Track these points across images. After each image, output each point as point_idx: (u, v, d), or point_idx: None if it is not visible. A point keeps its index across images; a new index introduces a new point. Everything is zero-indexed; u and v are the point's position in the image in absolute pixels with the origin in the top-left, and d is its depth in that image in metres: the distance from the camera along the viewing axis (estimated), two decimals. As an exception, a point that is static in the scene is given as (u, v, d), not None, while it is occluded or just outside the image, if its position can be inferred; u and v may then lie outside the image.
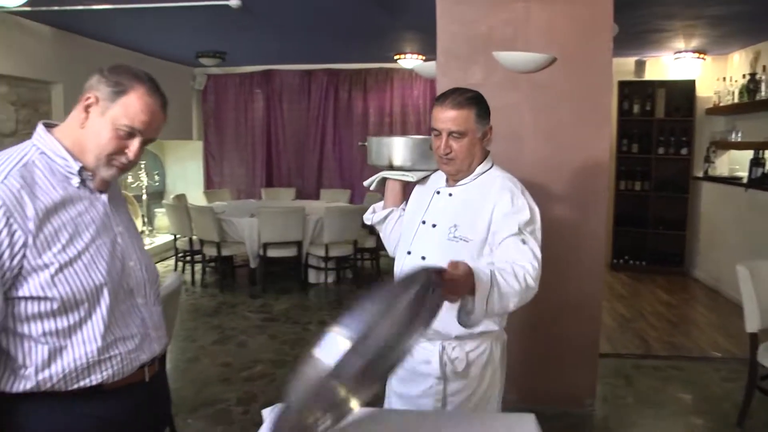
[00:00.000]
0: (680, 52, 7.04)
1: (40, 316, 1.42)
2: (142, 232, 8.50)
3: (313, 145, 9.16)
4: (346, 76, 9.03)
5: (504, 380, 2.30)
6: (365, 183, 2.52)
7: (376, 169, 2.49)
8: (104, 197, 1.59)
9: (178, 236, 7.54)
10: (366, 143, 2.55)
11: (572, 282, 3.66)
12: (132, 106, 1.50)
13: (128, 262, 1.59)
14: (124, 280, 1.56)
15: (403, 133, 8.87)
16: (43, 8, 4.94)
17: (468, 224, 2.05)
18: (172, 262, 8.00)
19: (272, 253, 6.83)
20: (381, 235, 2.50)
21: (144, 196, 8.61)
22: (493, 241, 2.02)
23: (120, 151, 1.53)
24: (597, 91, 3.53)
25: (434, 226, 2.12)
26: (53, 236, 1.43)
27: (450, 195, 2.15)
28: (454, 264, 1.57)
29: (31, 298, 1.40)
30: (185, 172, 9.69)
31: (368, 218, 2.52)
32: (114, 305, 1.52)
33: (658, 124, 7.47)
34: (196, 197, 8.74)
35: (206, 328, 5.63)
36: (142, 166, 8.63)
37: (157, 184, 9.26)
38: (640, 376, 4.36)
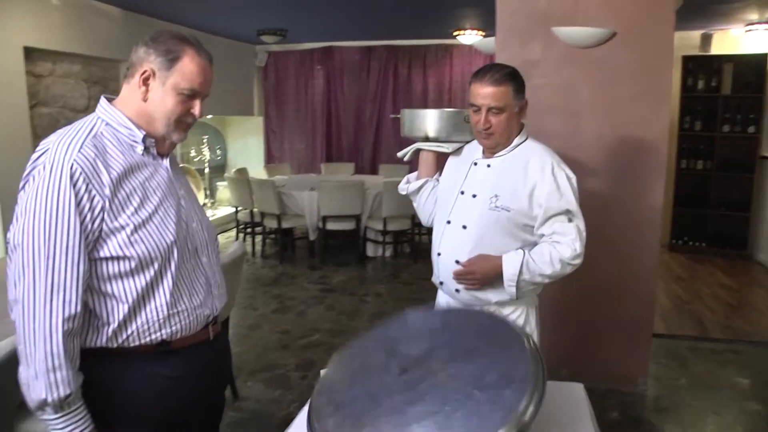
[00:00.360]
0: (752, 24, 6.75)
1: (120, 275, 1.52)
2: (204, 204, 8.79)
3: (372, 121, 9.26)
4: (405, 52, 9.05)
5: (540, 342, 2.38)
6: (399, 154, 2.58)
7: (411, 141, 2.55)
8: (166, 162, 1.68)
9: (239, 208, 7.77)
10: (399, 115, 2.60)
11: (627, 260, 3.65)
12: (188, 70, 1.58)
13: (191, 223, 1.68)
14: (189, 240, 1.65)
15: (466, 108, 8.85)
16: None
17: (508, 194, 2.14)
18: (233, 233, 8.26)
19: (331, 226, 6.98)
20: (415, 204, 2.57)
21: (206, 170, 8.90)
22: (541, 215, 2.13)
23: (186, 112, 1.62)
24: (657, 66, 3.47)
25: (474, 196, 2.21)
26: (126, 200, 1.52)
27: (488, 166, 2.23)
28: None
29: (111, 258, 1.50)
30: (246, 146, 9.94)
31: (403, 188, 2.58)
32: (181, 263, 1.61)
33: (723, 101, 7.19)
34: (257, 172, 8.97)
35: (266, 298, 5.84)
36: (205, 140, 8.91)
37: (219, 158, 9.54)
38: (696, 359, 4.31)
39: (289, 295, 5.93)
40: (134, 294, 1.54)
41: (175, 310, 1.60)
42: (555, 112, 3.64)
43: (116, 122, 1.58)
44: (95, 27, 5.94)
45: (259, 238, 7.75)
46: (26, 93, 5.23)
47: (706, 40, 7.36)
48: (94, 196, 1.46)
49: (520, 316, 2.27)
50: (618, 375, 3.75)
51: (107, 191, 1.48)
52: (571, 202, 2.13)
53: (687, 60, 7.28)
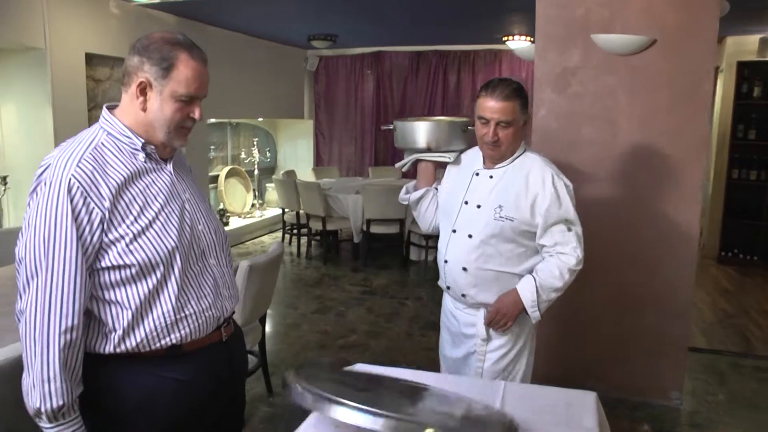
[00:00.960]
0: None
1: (122, 283, 1.55)
2: (253, 205, 9.01)
3: (420, 126, 9.29)
4: (454, 57, 9.08)
5: (536, 336, 2.53)
6: (397, 165, 2.68)
7: (407, 152, 2.63)
8: (169, 167, 1.69)
9: (286, 210, 7.94)
10: (392, 127, 2.65)
11: (663, 272, 3.59)
12: (184, 77, 1.58)
13: (197, 226, 1.70)
14: (194, 243, 1.67)
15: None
16: (170, 0, 5.41)
17: (511, 205, 2.25)
18: (280, 234, 8.43)
19: (375, 229, 7.06)
20: (414, 213, 2.66)
21: (255, 172, 9.11)
22: (542, 224, 2.24)
23: (186, 117, 1.63)
24: (697, 74, 3.41)
25: (479, 206, 2.31)
26: (126, 210, 1.54)
27: (491, 177, 2.34)
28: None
29: (112, 267, 1.53)
30: (296, 149, 10.14)
31: (404, 199, 2.65)
32: (186, 267, 1.63)
33: (780, 109, 6.94)
34: (305, 174, 9.14)
35: (308, 298, 5.96)
36: (255, 142, 9.13)
37: (268, 160, 9.76)
38: (737, 375, 4.19)
39: (330, 296, 6.03)
40: (137, 300, 1.56)
41: (182, 315, 1.62)
42: (592, 119, 3.63)
43: (116, 131, 1.61)
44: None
45: (304, 240, 7.89)
46: (86, 96, 5.50)
47: (765, 44, 7.11)
48: (93, 210, 1.50)
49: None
50: (650, 388, 3.70)
51: (106, 203, 1.51)
52: (570, 210, 2.25)
53: (742, 66, 7.05)
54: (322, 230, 7.33)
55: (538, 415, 1.75)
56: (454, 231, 2.36)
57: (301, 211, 7.56)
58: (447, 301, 2.54)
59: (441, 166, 2.62)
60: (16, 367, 1.81)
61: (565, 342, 3.75)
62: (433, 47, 9.09)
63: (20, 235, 1.52)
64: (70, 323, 1.48)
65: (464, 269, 2.31)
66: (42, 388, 1.46)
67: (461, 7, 5.99)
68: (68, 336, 1.47)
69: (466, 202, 2.36)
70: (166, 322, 1.59)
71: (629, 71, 3.52)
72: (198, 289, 1.67)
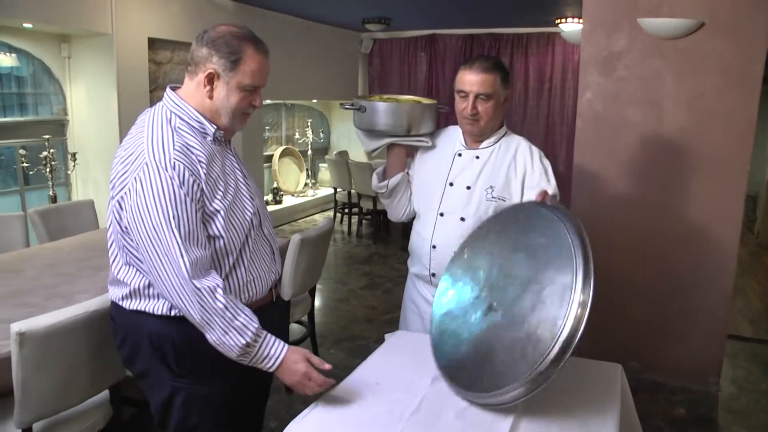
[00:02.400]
0: None
1: (215, 251, 1.72)
2: (306, 184, 9.24)
3: (472, 109, 9.33)
4: (508, 40, 9.06)
5: None
6: (368, 149, 2.45)
7: (374, 134, 2.38)
8: (231, 148, 1.88)
9: (338, 189, 8.13)
10: (356, 106, 2.36)
11: (704, 256, 3.60)
12: (250, 69, 1.71)
13: (255, 200, 1.87)
14: (255, 216, 1.85)
15: (561, 99, 8.79)
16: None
17: (502, 185, 2.24)
18: (331, 213, 8.64)
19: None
20: (386, 201, 2.49)
21: (309, 152, 9.33)
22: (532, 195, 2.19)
23: (248, 105, 1.78)
24: (747, 57, 3.38)
25: (468, 188, 2.27)
26: (215, 185, 1.70)
27: (477, 157, 2.29)
28: (544, 194, 1.95)
29: (211, 237, 1.70)
30: (349, 130, 10.29)
31: (380, 187, 2.45)
32: (255, 235, 1.84)
33: None
34: (358, 154, 9.30)
35: (357, 274, 6.15)
36: (309, 123, 9.34)
37: (321, 140, 9.96)
38: (783, 365, 4.18)
39: (378, 273, 6.20)
40: (228, 265, 1.75)
41: (251, 277, 1.82)
42: (637, 102, 3.65)
43: (187, 116, 1.73)
44: (210, 19, 6.42)
45: (355, 219, 8.09)
46: (148, 79, 5.78)
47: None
48: (194, 183, 1.64)
49: None
50: (690, 372, 3.73)
51: (203, 178, 1.66)
52: (556, 188, 2.20)
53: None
54: (372, 210, 7.51)
55: (566, 382, 1.85)
56: (442, 214, 2.30)
57: (353, 191, 7.75)
58: (421, 289, 2.44)
59: (411, 151, 2.46)
60: (92, 321, 2.04)
61: (608, 321, 3.81)
62: (486, 30, 9.08)
63: (133, 221, 1.63)
64: (211, 274, 1.65)
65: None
66: (234, 328, 1.63)
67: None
68: (216, 282, 1.63)
69: (451, 184, 2.30)
70: (240, 283, 1.80)
71: (676, 54, 3.53)
72: (260, 255, 1.87)
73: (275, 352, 1.68)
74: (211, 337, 1.64)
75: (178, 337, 1.75)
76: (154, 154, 1.63)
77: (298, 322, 3.91)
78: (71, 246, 3.53)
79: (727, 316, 3.71)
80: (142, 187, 1.61)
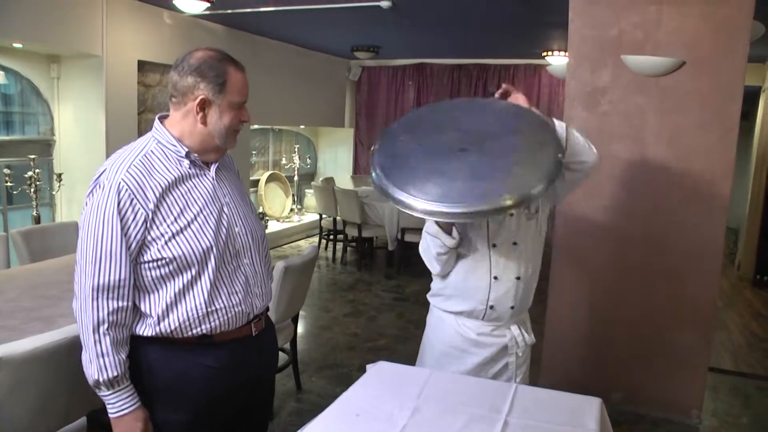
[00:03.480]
0: None
1: (161, 277, 1.73)
2: (292, 210, 9.25)
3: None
4: (495, 70, 9.19)
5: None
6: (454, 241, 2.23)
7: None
8: (212, 173, 1.85)
9: (323, 216, 8.14)
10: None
11: (686, 290, 3.64)
12: (237, 87, 1.79)
13: (234, 228, 1.85)
14: (230, 244, 1.82)
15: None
16: (219, 11, 5.71)
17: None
18: (316, 239, 8.62)
19: (410, 238, 7.19)
20: (444, 257, 2.27)
21: (295, 177, 9.36)
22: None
23: (239, 122, 1.84)
24: (726, 95, 3.47)
25: (512, 215, 2.26)
26: (168, 210, 1.72)
27: (511, 214, 2.27)
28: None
29: (152, 261, 1.71)
30: (336, 156, 10.36)
31: (454, 242, 2.22)
32: (220, 265, 1.79)
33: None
34: (344, 181, 9.33)
35: (341, 302, 6.13)
36: (296, 149, 9.38)
37: (308, 166, 10.00)
38: (763, 399, 4.20)
39: (363, 300, 6.19)
40: (173, 293, 1.74)
41: (213, 308, 1.78)
42: (621, 138, 3.71)
43: (165, 140, 1.79)
44: (200, 43, 6.32)
45: (340, 246, 8.08)
46: (136, 101, 5.79)
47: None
48: (138, 210, 1.68)
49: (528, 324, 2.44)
50: (672, 404, 3.75)
51: (151, 204, 1.70)
52: None
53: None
54: (357, 237, 7.51)
55: (545, 416, 1.86)
56: (494, 245, 2.26)
57: (338, 218, 7.76)
58: (463, 328, 2.35)
59: None
60: (72, 347, 2.02)
61: (590, 353, 3.83)
62: (473, 60, 9.21)
63: (79, 229, 1.75)
64: (116, 305, 1.69)
65: (518, 279, 2.26)
66: (98, 361, 1.68)
67: (503, 21, 6.10)
68: (116, 316, 1.69)
69: (494, 245, 2.26)
70: (197, 313, 1.77)
71: (659, 91, 3.60)
72: (230, 286, 1.83)
73: (121, 405, 1.72)
74: (83, 356, 1.71)
75: (145, 360, 1.79)
76: (108, 175, 1.70)
77: (281, 349, 3.88)
78: (54, 268, 3.50)
79: (709, 349, 3.74)
80: (90, 204, 1.71)
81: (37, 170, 5.12)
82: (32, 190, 5.09)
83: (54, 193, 5.56)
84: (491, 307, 2.28)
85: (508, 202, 1.77)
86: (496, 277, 2.26)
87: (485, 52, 8.63)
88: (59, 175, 5.41)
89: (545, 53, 7.68)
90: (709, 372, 3.94)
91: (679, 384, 3.74)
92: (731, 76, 3.47)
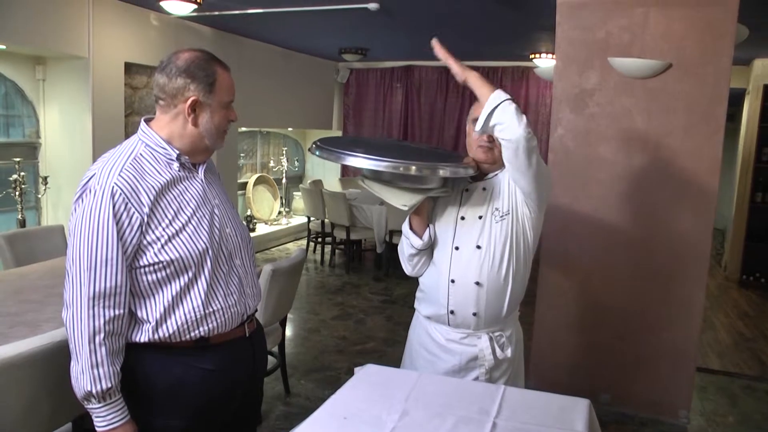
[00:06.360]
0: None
1: (158, 281, 1.71)
2: (280, 212, 9.23)
3: (448, 140, 9.44)
4: (482, 73, 8.95)
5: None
6: (407, 207, 2.22)
7: (410, 190, 2.20)
8: (201, 174, 1.84)
9: (311, 218, 8.13)
10: (419, 170, 2.07)
11: (673, 290, 3.66)
12: (225, 86, 1.79)
13: (225, 229, 1.85)
14: (223, 245, 1.82)
15: (535, 133, 8.91)
16: (206, 13, 5.70)
17: (504, 203, 2.23)
18: (305, 242, 8.62)
19: (398, 240, 7.14)
20: (416, 259, 2.34)
21: (283, 180, 9.33)
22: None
23: (228, 121, 1.84)
24: (712, 98, 3.50)
25: (480, 217, 2.24)
26: (162, 214, 1.70)
27: (484, 189, 2.29)
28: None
29: (149, 265, 1.69)
30: (323, 159, 10.31)
31: (424, 243, 2.28)
32: (215, 266, 1.78)
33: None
34: (332, 184, 9.32)
35: (329, 304, 6.12)
36: (284, 151, 9.36)
37: (296, 169, 9.98)
38: (749, 398, 4.22)
39: (351, 303, 6.18)
40: (170, 296, 1.72)
41: (210, 310, 1.77)
42: (607, 139, 3.73)
43: (153, 143, 1.77)
44: (187, 45, 6.36)
45: (328, 248, 8.07)
46: (123, 103, 5.75)
47: (792, 68, 7.11)
48: (133, 214, 1.65)
49: (513, 333, 2.36)
50: (660, 404, 3.76)
51: (146, 209, 1.67)
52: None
53: (768, 89, 7.05)
54: (346, 239, 7.50)
55: (533, 418, 1.86)
56: (457, 248, 2.25)
57: (327, 220, 7.74)
58: (433, 333, 2.36)
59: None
60: (57, 352, 2.00)
61: (579, 355, 3.84)
62: (462, 62, 9.19)
63: (69, 236, 1.70)
64: (113, 314, 1.65)
65: (477, 284, 2.20)
66: (91, 372, 1.62)
67: (491, 23, 6.12)
68: (112, 325, 1.65)
69: (463, 218, 2.27)
70: (195, 316, 1.75)
71: (646, 93, 3.62)
72: (225, 287, 1.82)
73: (113, 418, 1.68)
74: (74, 367, 1.65)
75: (141, 367, 1.75)
76: (98, 179, 1.67)
77: (269, 352, 3.87)
78: (39, 272, 3.46)
79: (697, 349, 3.76)
80: (82, 209, 1.66)
81: (22, 173, 5.07)
82: (17, 193, 5.04)
83: (39, 196, 5.51)
84: (452, 312, 2.26)
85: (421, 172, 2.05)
86: (453, 280, 2.24)
87: (473, 54, 8.63)
88: (45, 179, 5.36)
89: (533, 55, 7.71)
90: (697, 372, 3.97)
91: (667, 384, 3.75)
92: (717, 79, 3.51)
